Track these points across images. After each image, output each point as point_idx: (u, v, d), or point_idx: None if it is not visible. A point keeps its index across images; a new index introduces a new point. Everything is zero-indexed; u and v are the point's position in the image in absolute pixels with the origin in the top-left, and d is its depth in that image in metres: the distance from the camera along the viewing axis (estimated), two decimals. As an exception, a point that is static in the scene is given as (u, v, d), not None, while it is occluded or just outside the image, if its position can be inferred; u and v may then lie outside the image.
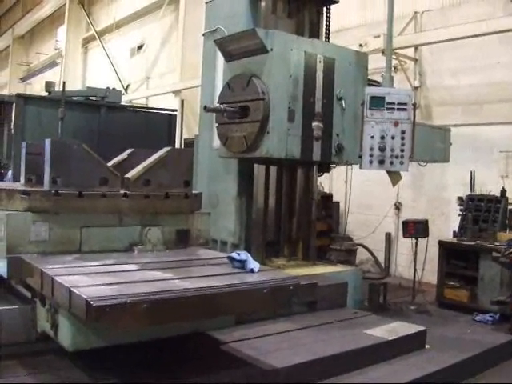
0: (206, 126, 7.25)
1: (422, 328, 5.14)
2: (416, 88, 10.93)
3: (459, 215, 9.23)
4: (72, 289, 3.11)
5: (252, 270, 3.91)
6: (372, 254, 10.94)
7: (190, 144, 10.96)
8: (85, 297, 2.97)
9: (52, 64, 27.45)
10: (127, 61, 21.32)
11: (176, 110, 13.62)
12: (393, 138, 6.17)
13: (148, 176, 4.49)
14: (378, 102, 6.18)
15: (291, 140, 6.02)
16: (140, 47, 20.52)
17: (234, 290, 3.53)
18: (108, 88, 12.16)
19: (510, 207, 8.87)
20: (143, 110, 14.43)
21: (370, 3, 11.96)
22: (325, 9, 7.32)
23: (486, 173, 9.55)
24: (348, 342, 4.65)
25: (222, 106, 6.13)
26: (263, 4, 6.77)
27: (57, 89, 12.19)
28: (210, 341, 4.26)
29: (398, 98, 6.21)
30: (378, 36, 10.09)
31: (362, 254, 11.10)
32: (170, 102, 16.21)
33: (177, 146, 12.95)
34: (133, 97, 19.56)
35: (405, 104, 6.20)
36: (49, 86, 11.92)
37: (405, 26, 10.96)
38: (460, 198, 9.45)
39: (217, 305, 3.46)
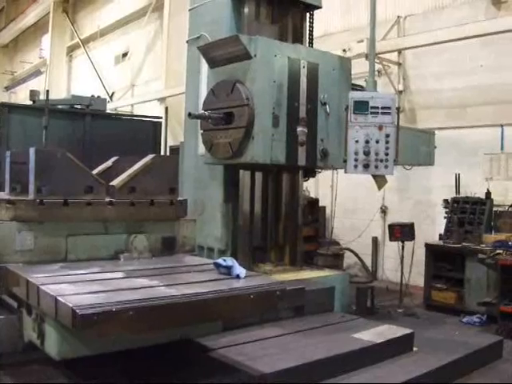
0: (191, 133, 7.25)
1: (409, 331, 5.15)
2: (400, 92, 11.00)
3: (445, 218, 9.28)
4: (58, 297, 3.11)
5: (238, 276, 3.91)
6: (359, 258, 10.97)
7: (175, 151, 10.95)
8: (71, 305, 2.97)
9: (36, 73, 27.35)
10: (112, 68, 21.29)
11: (161, 118, 13.58)
12: (377, 142, 6.19)
13: (133, 183, 4.49)
14: (361, 107, 6.20)
15: (276, 145, 6.03)
16: (124, 55, 20.51)
17: (221, 296, 3.54)
18: (93, 96, 12.11)
19: (494, 209, 8.93)
20: (128, 117, 14.39)
21: (354, 8, 12.03)
22: (308, 14, 7.35)
23: (470, 175, 9.62)
24: (336, 346, 4.64)
25: (206, 113, 6.13)
26: (246, 10, 6.80)
27: (41, 97, 12.14)
28: (197, 347, 4.26)
29: (381, 102, 6.23)
30: (362, 41, 10.13)
31: (349, 259, 11.13)
32: (154, 110, 16.20)
33: (162, 153, 12.93)
34: (118, 104, 19.53)
35: (389, 108, 6.22)
36: (33, 94, 11.86)
37: (388, 30, 11.02)
38: (445, 201, 9.50)
39: (203, 311, 3.47)
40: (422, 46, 10.11)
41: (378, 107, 6.19)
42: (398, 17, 11.18)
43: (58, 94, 20.12)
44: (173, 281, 3.76)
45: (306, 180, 7.36)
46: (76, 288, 3.37)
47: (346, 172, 6.37)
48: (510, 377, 5.08)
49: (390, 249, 10.60)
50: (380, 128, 6.18)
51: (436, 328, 6.62)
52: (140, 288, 3.49)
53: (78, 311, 2.92)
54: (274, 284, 3.93)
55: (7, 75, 31.40)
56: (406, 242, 8.57)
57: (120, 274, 3.87)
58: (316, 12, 7.39)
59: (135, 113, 17.29)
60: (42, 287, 3.32)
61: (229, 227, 6.83)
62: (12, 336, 3.89)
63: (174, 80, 15.98)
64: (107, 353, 3.57)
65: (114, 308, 3.04)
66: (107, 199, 4.36)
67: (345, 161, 6.30)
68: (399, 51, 11.03)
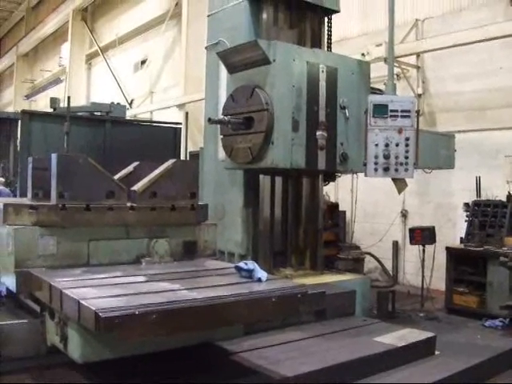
0: (211, 138, 7.28)
1: (431, 334, 5.12)
2: (419, 95, 10.96)
3: (466, 221, 9.22)
4: (81, 301, 3.13)
5: (260, 279, 3.91)
6: (380, 262, 10.92)
7: (195, 156, 10.99)
8: (94, 308, 2.98)
9: (56, 81, 27.60)
10: (131, 76, 21.42)
11: (180, 123, 13.64)
12: (397, 145, 6.17)
13: (154, 188, 4.50)
14: (381, 110, 6.19)
15: (296, 150, 6.04)
16: (143, 62, 20.62)
17: (242, 299, 3.53)
18: (112, 103, 12.21)
19: (516, 212, 8.85)
20: (148, 123, 14.47)
21: (371, 12, 12.02)
22: (326, 19, 7.35)
23: (491, 178, 9.56)
24: (358, 350, 4.62)
25: (226, 118, 6.15)
26: (265, 16, 6.81)
27: (61, 105, 12.25)
28: (219, 351, 4.26)
29: (401, 105, 6.21)
30: (380, 44, 10.11)
31: (369, 263, 11.09)
32: (174, 116, 16.27)
33: (182, 158, 12.98)
34: (137, 111, 19.65)
35: (408, 111, 6.20)
36: (53, 102, 12.00)
37: (406, 33, 11.00)
38: (466, 204, 9.44)
39: (225, 314, 3.46)
40: (440, 48, 10.08)
41: (397, 110, 6.18)
42: (417, 20, 11.15)
43: (78, 101, 20.28)
44: (194, 284, 3.77)
45: (326, 184, 7.35)
46: (99, 292, 3.39)
47: (366, 176, 6.36)
48: (533, 381, 5.03)
49: (411, 253, 10.55)
50: (400, 131, 6.17)
51: (458, 332, 6.59)
52: (162, 291, 3.49)
53: (101, 314, 2.93)
54: (295, 287, 3.93)
55: (27, 84, 31.71)
56: (426, 246, 8.55)
57: (142, 278, 3.88)
58: (334, 16, 7.40)
59: (155, 119, 17.37)
60: (65, 291, 3.34)
61: (249, 232, 6.83)
62: (35, 340, 3.92)
63: (193, 86, 16.03)
64: (129, 356, 3.59)
65: (136, 311, 3.04)
66: (128, 204, 4.37)
67: (365, 164, 6.29)
68: (418, 54, 11.00)
